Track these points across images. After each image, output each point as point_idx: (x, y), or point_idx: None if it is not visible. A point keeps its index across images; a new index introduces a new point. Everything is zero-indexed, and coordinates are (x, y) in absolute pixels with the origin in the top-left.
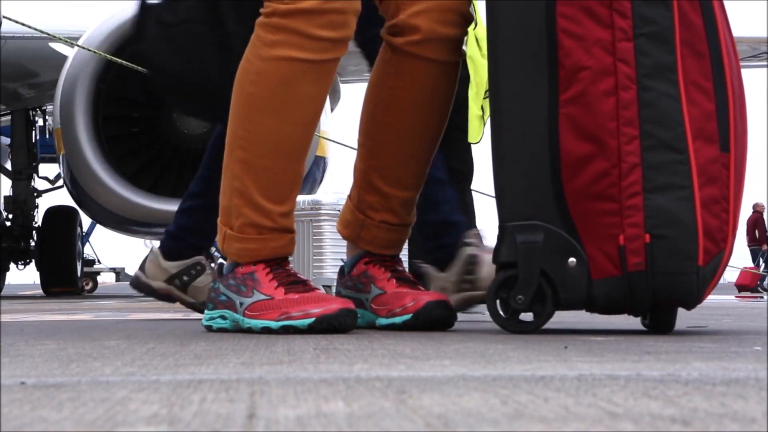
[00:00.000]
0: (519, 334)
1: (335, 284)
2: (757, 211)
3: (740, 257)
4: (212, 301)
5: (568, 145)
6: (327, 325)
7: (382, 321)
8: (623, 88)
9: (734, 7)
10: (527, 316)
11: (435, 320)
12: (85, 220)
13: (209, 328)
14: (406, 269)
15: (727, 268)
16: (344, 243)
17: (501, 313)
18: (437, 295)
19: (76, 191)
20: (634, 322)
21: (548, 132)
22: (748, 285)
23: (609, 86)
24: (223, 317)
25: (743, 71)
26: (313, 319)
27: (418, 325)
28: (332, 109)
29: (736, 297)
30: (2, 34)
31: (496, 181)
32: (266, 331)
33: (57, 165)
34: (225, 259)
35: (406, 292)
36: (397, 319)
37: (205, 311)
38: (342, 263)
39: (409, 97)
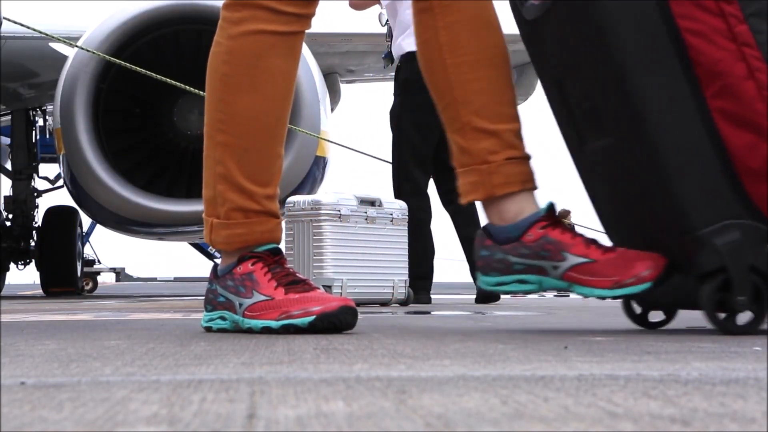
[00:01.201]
0: (734, 334)
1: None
2: None
3: None
4: (210, 302)
5: (730, 138)
6: (328, 324)
7: (604, 292)
8: (756, 70)
9: None
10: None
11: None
12: (85, 220)
13: (209, 329)
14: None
15: None
16: (344, 242)
17: (718, 317)
18: (657, 256)
19: (76, 191)
20: (632, 322)
21: (707, 132)
22: None
23: (743, 72)
24: (222, 318)
25: None
26: (313, 317)
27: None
28: (332, 109)
29: None
30: (2, 34)
31: (667, 196)
32: (267, 330)
33: (57, 165)
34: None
35: (631, 257)
36: (632, 289)
37: (204, 313)
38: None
39: (467, 26)
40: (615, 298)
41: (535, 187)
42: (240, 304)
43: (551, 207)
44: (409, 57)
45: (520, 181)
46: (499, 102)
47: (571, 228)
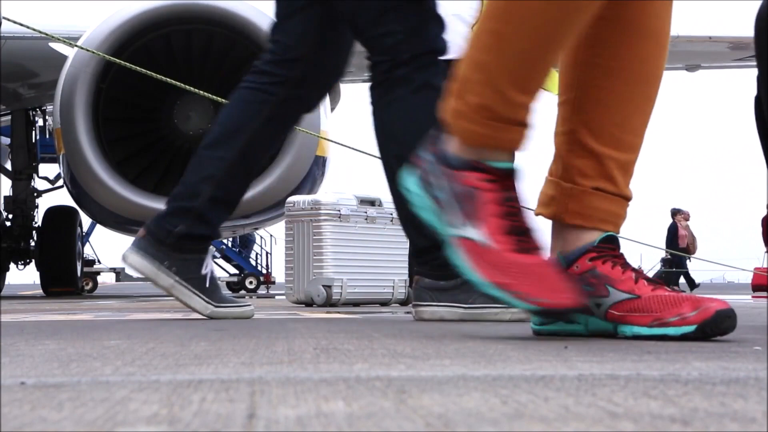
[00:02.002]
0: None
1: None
2: None
3: (748, 257)
4: (421, 177)
5: None
6: (548, 315)
7: (642, 330)
8: None
9: (734, 7)
10: None
11: (723, 333)
12: (85, 220)
13: (407, 191)
14: None
15: (733, 270)
16: (344, 242)
17: None
18: (721, 302)
19: (76, 191)
20: None
21: None
22: (765, 285)
23: None
24: (424, 200)
25: (742, 71)
26: (537, 307)
27: (701, 337)
28: (332, 109)
29: (753, 297)
30: (2, 34)
31: None
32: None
33: (57, 165)
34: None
35: (679, 297)
36: (672, 330)
37: (409, 178)
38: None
39: (620, 28)
40: (654, 338)
41: (615, 231)
42: (450, 222)
43: (607, 238)
44: None
45: (597, 218)
46: (618, 123)
47: (625, 263)
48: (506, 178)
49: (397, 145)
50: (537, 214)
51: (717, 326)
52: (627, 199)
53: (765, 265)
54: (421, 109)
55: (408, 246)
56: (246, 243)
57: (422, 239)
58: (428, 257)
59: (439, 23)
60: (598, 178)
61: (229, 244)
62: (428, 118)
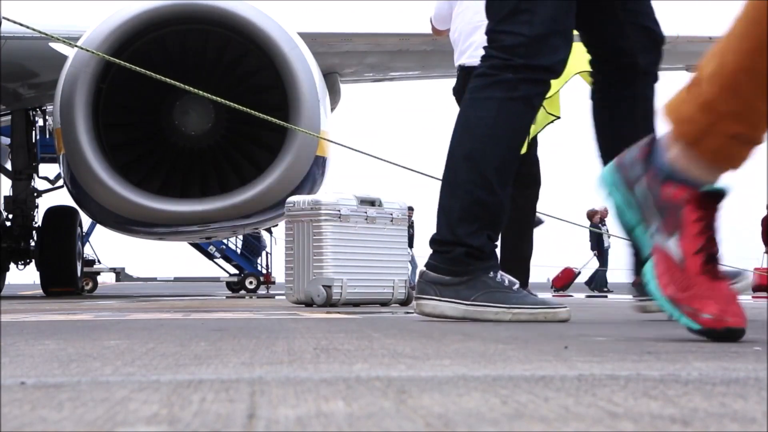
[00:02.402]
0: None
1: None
2: None
3: (748, 257)
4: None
5: None
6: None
7: (657, 295)
8: None
9: (735, 7)
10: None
11: (723, 341)
12: (85, 220)
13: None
14: None
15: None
16: (344, 242)
17: None
18: (740, 318)
19: (76, 191)
20: (632, 322)
21: None
22: (765, 285)
23: None
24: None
25: None
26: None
27: (698, 335)
28: (332, 109)
29: (753, 297)
30: (2, 34)
31: None
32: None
33: (57, 165)
34: None
35: (710, 296)
36: (681, 318)
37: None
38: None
39: None
40: (661, 310)
41: (734, 169)
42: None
43: (714, 193)
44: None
45: (724, 162)
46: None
47: (709, 229)
48: (713, 201)
49: (470, 142)
50: (666, 115)
51: (720, 337)
52: (760, 143)
53: (765, 265)
54: (508, 119)
55: (406, 246)
56: (255, 251)
57: (449, 233)
58: (445, 248)
59: (565, 41)
60: (740, 125)
61: (238, 249)
62: (510, 131)
